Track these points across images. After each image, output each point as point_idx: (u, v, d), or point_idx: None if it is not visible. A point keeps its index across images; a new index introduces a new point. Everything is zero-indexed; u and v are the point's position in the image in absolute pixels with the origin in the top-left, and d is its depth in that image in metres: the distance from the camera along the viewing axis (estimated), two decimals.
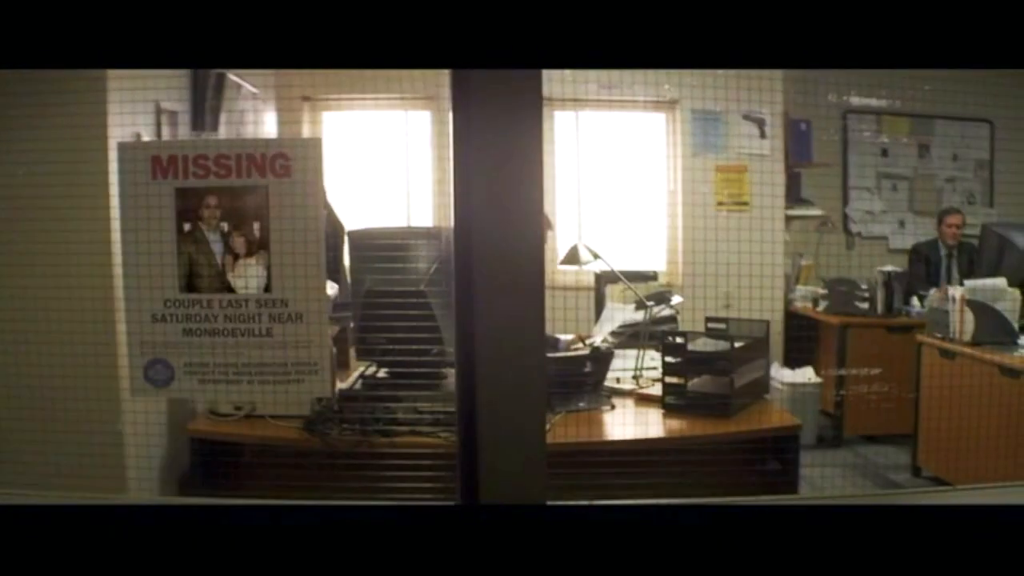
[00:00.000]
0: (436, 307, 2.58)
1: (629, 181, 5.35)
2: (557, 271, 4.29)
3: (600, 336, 3.58)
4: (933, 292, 4.21)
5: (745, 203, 5.17)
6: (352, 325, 2.92)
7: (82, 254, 2.26)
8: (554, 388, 2.73)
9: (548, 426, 2.54)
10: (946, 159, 5.74)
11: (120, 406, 2.48)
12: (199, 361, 1.35)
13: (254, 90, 4.52)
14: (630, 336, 3.35)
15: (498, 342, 0.95)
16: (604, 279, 3.91)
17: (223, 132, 3.93)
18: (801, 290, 5.27)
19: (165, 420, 2.93)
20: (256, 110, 4.68)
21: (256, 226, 1.32)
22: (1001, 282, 3.75)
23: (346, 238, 3.03)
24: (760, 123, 5.15)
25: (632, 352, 3.15)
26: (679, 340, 2.78)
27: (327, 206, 4.82)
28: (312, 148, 1.33)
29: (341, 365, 2.98)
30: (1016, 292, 3.71)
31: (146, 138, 2.92)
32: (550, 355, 2.96)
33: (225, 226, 1.32)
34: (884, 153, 5.76)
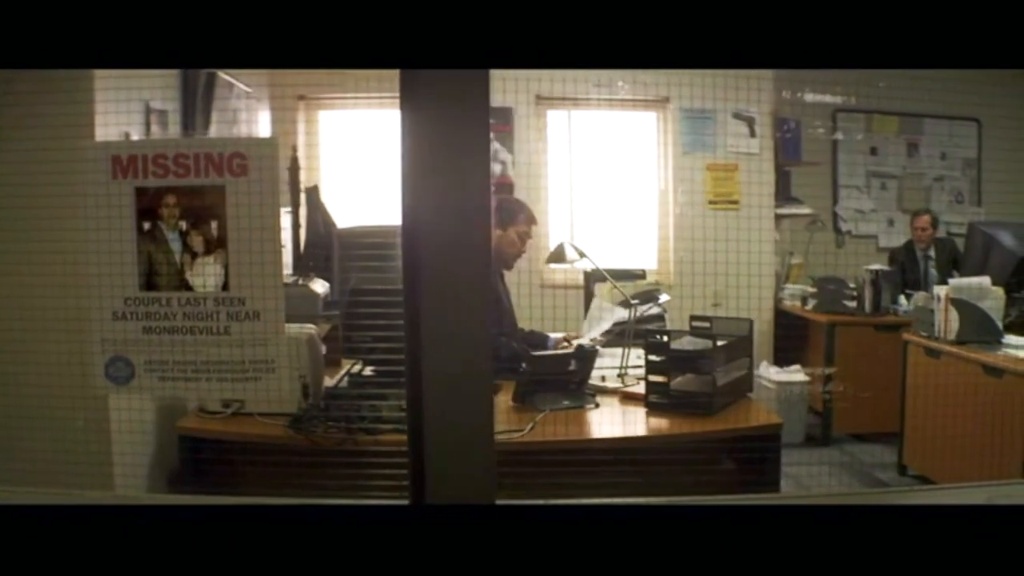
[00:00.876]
0: None
1: (621, 179, 5.37)
2: (547, 269, 4.32)
3: (590, 335, 3.60)
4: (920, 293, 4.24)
5: (735, 202, 5.20)
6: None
7: (67, 252, 2.27)
8: (539, 387, 2.75)
9: (531, 425, 2.57)
10: (935, 158, 5.78)
11: (107, 403, 2.50)
12: (159, 359, 1.37)
13: (247, 89, 4.53)
14: (617, 334, 3.37)
15: (444, 342, 0.96)
16: (593, 277, 3.93)
17: (214, 131, 3.94)
18: (790, 288, 5.30)
19: (154, 417, 2.95)
20: (249, 109, 4.69)
21: (214, 225, 1.34)
22: (985, 281, 3.77)
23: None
24: (750, 122, 5.18)
25: (619, 350, 3.18)
26: (662, 339, 2.80)
27: (320, 206, 4.86)
28: (268, 148, 1.35)
29: (332, 363, 2.99)
30: (1000, 291, 3.73)
31: (135, 138, 2.94)
32: (534, 353, 2.98)
33: (184, 225, 1.35)
34: (873, 152, 5.79)
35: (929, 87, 4.95)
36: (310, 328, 2.85)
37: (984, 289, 3.73)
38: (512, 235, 3.46)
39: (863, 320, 4.82)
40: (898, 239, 5.63)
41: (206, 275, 1.34)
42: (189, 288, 1.36)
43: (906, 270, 5.25)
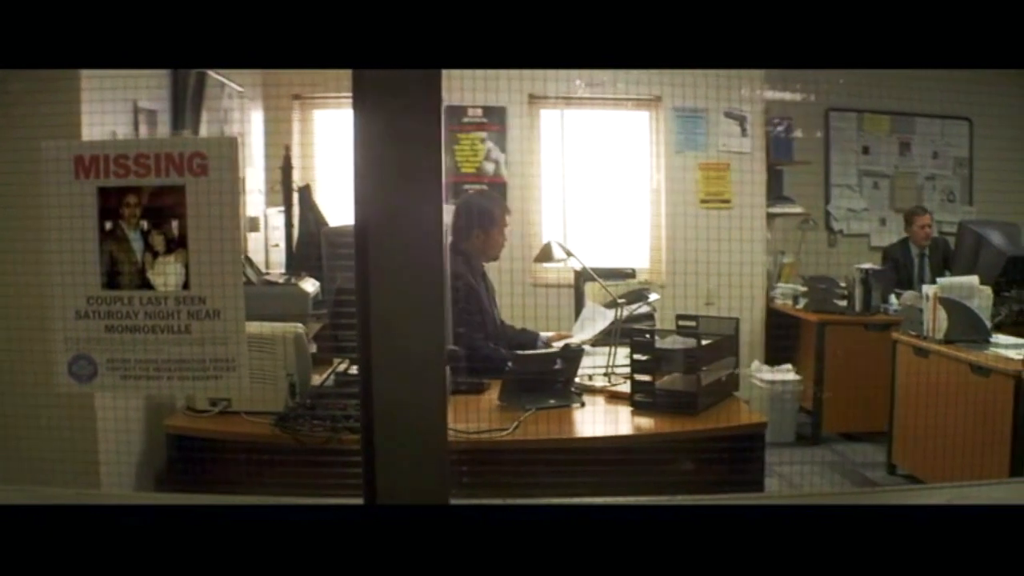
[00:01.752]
0: None
1: (613, 179, 5.38)
2: (539, 268, 4.33)
3: (580, 336, 3.61)
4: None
5: (727, 201, 5.21)
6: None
7: (52, 251, 2.28)
8: (524, 386, 2.76)
9: (517, 423, 2.58)
10: (926, 157, 5.78)
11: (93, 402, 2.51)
12: (121, 357, 1.39)
13: (239, 88, 4.54)
14: (605, 333, 3.38)
15: (394, 343, 0.97)
16: (583, 277, 3.94)
17: (205, 131, 3.94)
18: (782, 288, 5.31)
19: (143, 416, 2.97)
20: (242, 109, 4.70)
21: (175, 224, 1.36)
22: (974, 280, 3.78)
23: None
24: (742, 121, 5.18)
25: (607, 349, 3.19)
26: (647, 337, 2.81)
27: (313, 205, 4.85)
28: (228, 147, 1.36)
29: (325, 362, 3.00)
30: (988, 290, 3.74)
31: (122, 137, 2.94)
32: (518, 353, 2.99)
33: (145, 224, 1.37)
34: (865, 151, 5.79)
35: (921, 86, 4.95)
36: (297, 327, 2.86)
37: (973, 288, 3.73)
38: (496, 235, 3.47)
39: (853, 319, 4.82)
40: (890, 238, 5.63)
41: (167, 274, 1.36)
42: (151, 287, 1.38)
43: (900, 269, 5.25)
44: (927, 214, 5.27)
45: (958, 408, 3.50)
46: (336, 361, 2.94)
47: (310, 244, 4.26)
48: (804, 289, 5.12)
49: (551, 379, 2.81)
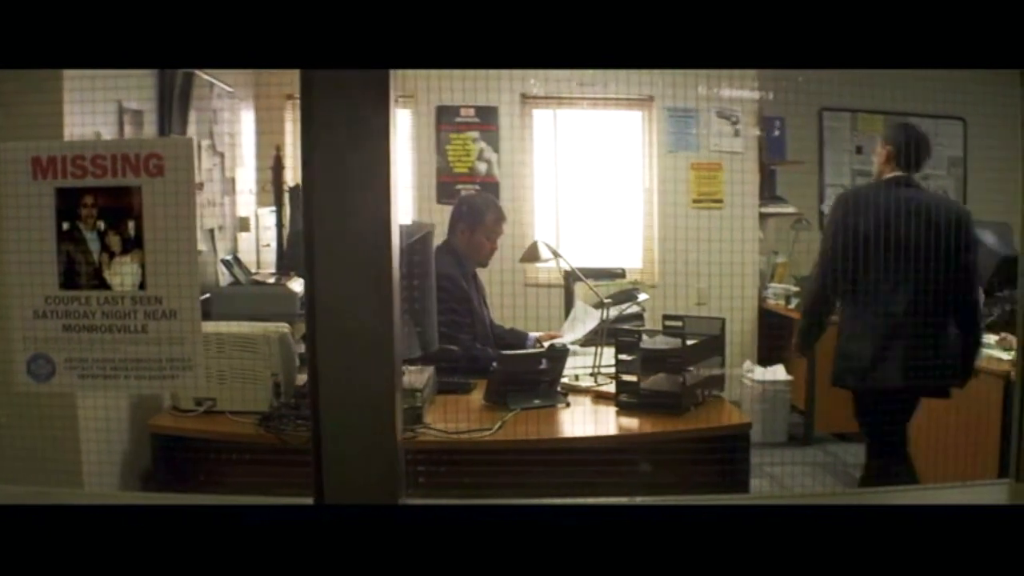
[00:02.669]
0: None
1: (606, 178, 5.38)
2: (529, 268, 4.32)
3: (570, 336, 3.60)
4: None
5: (720, 201, 5.20)
6: None
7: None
8: (510, 385, 2.75)
9: (500, 423, 2.57)
10: None
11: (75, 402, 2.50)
12: (79, 356, 1.40)
13: (228, 88, 4.53)
14: (593, 333, 3.37)
15: (341, 339, 0.96)
16: (573, 277, 3.93)
17: (192, 132, 3.93)
18: (775, 288, 5.30)
19: (127, 415, 2.96)
20: (233, 109, 4.69)
21: (131, 225, 1.36)
22: None
23: None
24: (734, 120, 5.17)
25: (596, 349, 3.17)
26: (633, 338, 2.80)
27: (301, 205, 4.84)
28: (184, 148, 1.37)
29: None
30: (979, 290, 3.71)
31: (106, 138, 2.93)
32: (504, 352, 2.99)
33: (102, 225, 1.37)
34: (859, 151, 5.78)
35: (914, 86, 4.94)
36: (283, 327, 2.86)
37: None
38: (480, 237, 3.44)
39: None
40: None
41: (123, 274, 1.36)
42: (108, 287, 1.38)
43: None
44: None
45: (948, 409, 3.48)
46: None
47: (300, 244, 4.26)
48: (797, 289, 5.11)
49: (536, 379, 2.80)
